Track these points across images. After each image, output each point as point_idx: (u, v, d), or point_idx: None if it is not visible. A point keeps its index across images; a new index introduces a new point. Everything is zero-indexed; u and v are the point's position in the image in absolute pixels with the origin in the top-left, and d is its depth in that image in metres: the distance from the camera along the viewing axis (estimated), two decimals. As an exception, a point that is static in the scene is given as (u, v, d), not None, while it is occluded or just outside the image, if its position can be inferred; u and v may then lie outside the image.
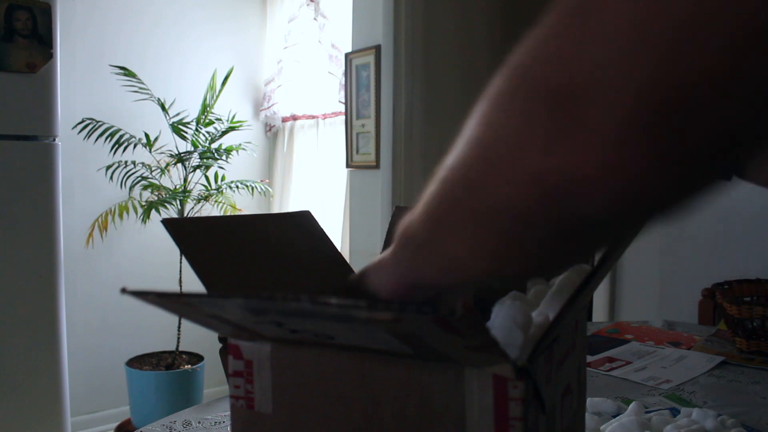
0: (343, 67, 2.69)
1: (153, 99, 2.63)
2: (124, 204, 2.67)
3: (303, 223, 0.56)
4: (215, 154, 2.73)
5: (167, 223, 0.43)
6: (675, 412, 0.77)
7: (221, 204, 2.83)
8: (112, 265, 2.86)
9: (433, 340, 0.27)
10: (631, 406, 0.74)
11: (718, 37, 0.20)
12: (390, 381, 0.32)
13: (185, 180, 2.70)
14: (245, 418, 0.37)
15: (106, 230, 2.67)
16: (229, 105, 3.04)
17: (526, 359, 0.29)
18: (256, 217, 0.53)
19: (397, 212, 0.60)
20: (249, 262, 0.47)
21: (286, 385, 0.35)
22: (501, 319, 0.37)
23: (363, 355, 0.32)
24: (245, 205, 3.06)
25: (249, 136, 3.15)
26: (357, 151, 2.61)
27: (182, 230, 0.44)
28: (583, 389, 0.45)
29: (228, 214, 2.77)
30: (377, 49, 2.47)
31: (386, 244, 0.60)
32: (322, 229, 0.57)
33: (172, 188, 2.70)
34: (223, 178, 2.81)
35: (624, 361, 1.04)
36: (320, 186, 3.06)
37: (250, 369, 0.37)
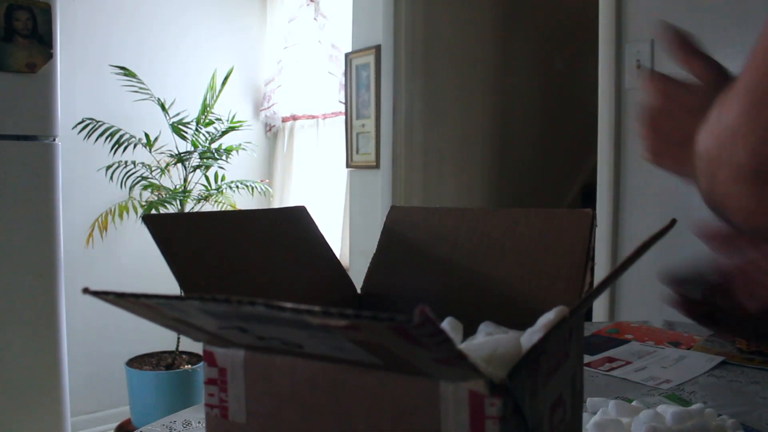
0: (343, 67, 2.69)
1: (153, 99, 2.63)
2: (124, 204, 2.67)
3: (295, 219, 0.54)
4: (215, 154, 2.73)
5: (147, 219, 0.41)
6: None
7: (221, 204, 2.83)
8: (112, 265, 2.86)
9: (399, 350, 0.26)
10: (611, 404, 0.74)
11: None
12: (363, 394, 0.31)
13: (185, 180, 2.70)
14: (219, 428, 0.36)
15: (106, 230, 2.67)
16: (229, 105, 3.04)
17: (506, 375, 0.28)
18: (246, 214, 0.51)
19: (393, 212, 0.60)
20: (234, 260, 0.46)
21: (259, 394, 0.34)
22: (484, 334, 0.36)
23: (336, 365, 0.31)
24: (245, 205, 3.06)
25: (249, 136, 3.15)
26: (357, 151, 2.61)
27: (164, 227, 0.42)
28: (578, 399, 0.43)
29: (228, 214, 2.76)
30: (377, 49, 2.47)
31: (380, 245, 0.59)
32: (315, 225, 0.56)
33: (172, 188, 2.69)
34: (223, 178, 2.81)
35: (624, 361, 1.04)
36: (320, 186, 3.06)
37: (224, 377, 0.35)
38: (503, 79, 2.78)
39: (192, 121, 2.74)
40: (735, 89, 0.31)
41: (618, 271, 0.37)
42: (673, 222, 0.41)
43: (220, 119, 2.78)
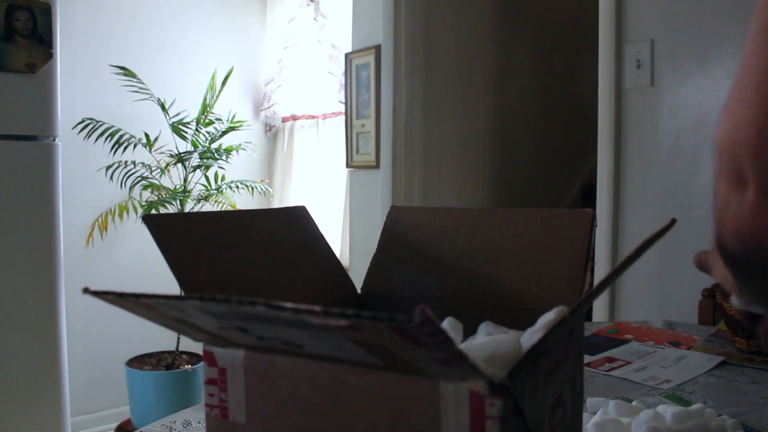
0: (343, 67, 2.69)
1: (153, 99, 2.63)
2: (124, 204, 2.67)
3: (295, 219, 0.54)
4: (215, 154, 2.73)
5: (148, 219, 0.41)
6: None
7: (221, 204, 2.83)
8: (112, 265, 2.86)
9: (399, 350, 0.26)
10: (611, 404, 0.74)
11: None
12: (363, 394, 0.31)
13: (185, 180, 2.70)
14: (219, 428, 0.36)
15: (106, 230, 2.67)
16: (229, 105, 3.04)
17: (506, 375, 0.28)
18: (246, 214, 0.51)
19: (393, 212, 0.60)
20: (234, 260, 0.46)
21: (259, 394, 0.34)
22: (484, 334, 0.36)
23: (336, 366, 0.31)
24: (245, 205, 3.06)
25: (249, 136, 3.15)
26: (357, 151, 2.61)
27: (164, 227, 0.42)
28: (578, 399, 0.43)
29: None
30: (377, 49, 2.47)
31: (380, 245, 0.59)
32: (315, 225, 0.56)
33: (172, 188, 2.70)
34: (223, 178, 2.81)
35: (624, 361, 1.04)
36: (320, 186, 3.06)
37: (224, 377, 0.35)
38: (503, 78, 2.78)
39: (192, 121, 2.74)
40: None
41: (618, 271, 0.37)
42: (673, 222, 0.42)
43: (220, 119, 2.78)
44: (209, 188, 2.78)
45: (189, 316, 0.30)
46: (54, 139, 1.97)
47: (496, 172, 2.79)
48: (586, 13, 2.26)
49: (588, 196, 2.69)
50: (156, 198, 2.65)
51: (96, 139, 2.53)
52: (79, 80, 2.76)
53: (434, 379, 0.29)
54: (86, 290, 0.28)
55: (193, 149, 2.71)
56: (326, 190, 3.02)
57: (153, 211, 2.54)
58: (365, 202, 2.59)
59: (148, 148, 2.66)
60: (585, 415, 0.73)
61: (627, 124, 1.82)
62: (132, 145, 2.60)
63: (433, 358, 0.26)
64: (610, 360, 1.05)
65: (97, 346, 2.81)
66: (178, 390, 2.56)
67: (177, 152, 2.68)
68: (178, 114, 2.70)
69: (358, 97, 2.59)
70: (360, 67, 2.57)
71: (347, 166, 2.68)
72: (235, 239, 0.47)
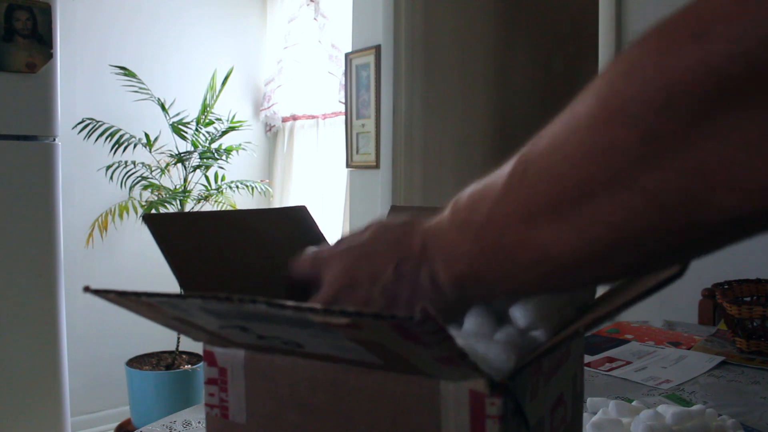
0: (343, 67, 2.69)
1: (153, 99, 2.63)
2: (124, 204, 2.67)
3: (296, 218, 0.54)
4: (215, 154, 2.73)
5: (147, 219, 0.41)
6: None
7: (221, 204, 2.83)
8: (112, 265, 2.86)
9: (399, 349, 0.26)
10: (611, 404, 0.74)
11: None
12: (363, 394, 0.30)
13: (185, 180, 2.70)
14: (219, 428, 0.36)
15: (106, 230, 2.67)
16: (229, 105, 3.04)
17: (507, 375, 0.28)
18: (247, 213, 0.51)
19: (393, 212, 0.59)
20: (235, 259, 0.45)
21: (259, 394, 0.34)
22: (474, 328, 0.36)
23: (336, 365, 0.31)
24: (245, 205, 3.06)
25: (249, 136, 3.15)
26: (357, 151, 2.61)
27: (164, 226, 0.42)
28: (579, 399, 0.43)
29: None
30: (377, 49, 2.47)
31: None
32: (316, 225, 0.55)
33: (172, 188, 2.70)
34: (223, 178, 2.81)
35: (624, 361, 1.04)
36: (320, 186, 3.06)
37: (225, 377, 0.35)
38: (503, 79, 2.78)
39: (192, 121, 2.74)
40: None
41: (616, 310, 0.36)
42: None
43: (220, 119, 2.78)
44: (209, 188, 2.78)
45: (190, 315, 0.30)
46: (54, 139, 1.97)
47: (496, 172, 2.78)
48: (586, 13, 2.26)
49: (588, 196, 2.68)
50: (156, 198, 2.65)
51: (96, 139, 2.53)
52: (79, 80, 2.76)
53: (434, 378, 0.28)
54: (87, 289, 0.28)
55: (193, 149, 2.71)
56: (326, 190, 3.02)
57: (153, 211, 2.54)
58: (365, 202, 2.59)
59: (148, 148, 2.66)
60: (585, 415, 0.73)
61: (627, 124, 1.81)
62: (132, 145, 2.60)
63: (433, 356, 0.26)
64: (610, 360, 1.05)
65: (97, 346, 2.81)
66: (178, 390, 2.56)
67: (177, 152, 2.68)
68: (178, 114, 2.70)
69: (358, 97, 2.59)
70: (360, 67, 2.57)
71: (347, 166, 2.68)
72: (235, 238, 0.47)
